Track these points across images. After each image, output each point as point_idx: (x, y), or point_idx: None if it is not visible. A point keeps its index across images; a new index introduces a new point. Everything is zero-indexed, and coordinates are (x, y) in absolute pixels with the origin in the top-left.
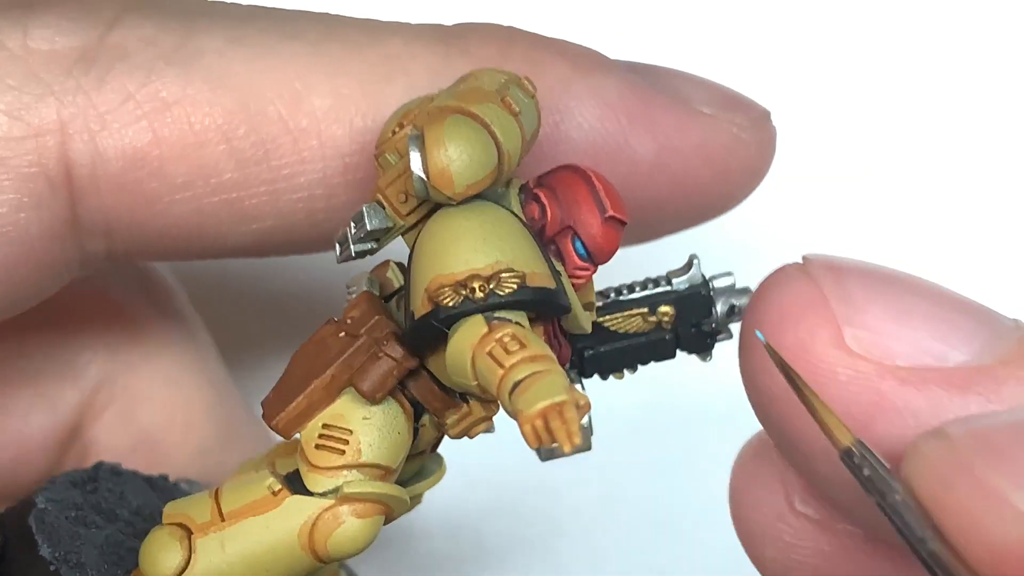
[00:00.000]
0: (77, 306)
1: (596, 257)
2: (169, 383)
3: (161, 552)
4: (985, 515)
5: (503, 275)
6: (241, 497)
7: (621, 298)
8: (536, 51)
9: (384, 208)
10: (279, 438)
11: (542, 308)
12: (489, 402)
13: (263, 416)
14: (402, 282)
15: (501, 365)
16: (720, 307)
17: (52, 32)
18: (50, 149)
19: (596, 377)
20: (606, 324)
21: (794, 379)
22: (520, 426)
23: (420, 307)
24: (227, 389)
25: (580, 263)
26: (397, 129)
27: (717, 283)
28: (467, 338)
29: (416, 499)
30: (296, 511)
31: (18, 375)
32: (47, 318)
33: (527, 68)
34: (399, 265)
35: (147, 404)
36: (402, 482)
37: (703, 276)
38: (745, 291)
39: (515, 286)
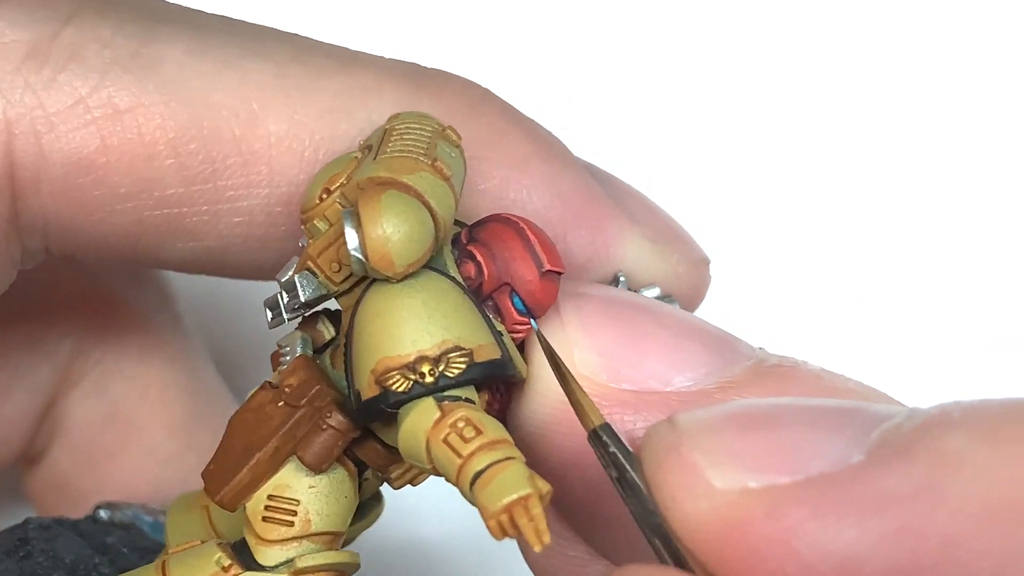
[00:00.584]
0: (49, 281)
1: (535, 311)
2: (142, 358)
3: None
4: (683, 489)
5: (451, 355)
6: (190, 573)
7: None
8: (503, 121)
9: (316, 276)
10: None
11: (490, 380)
12: None
13: (205, 489)
14: (333, 334)
15: (459, 454)
16: None
17: (4, 25)
18: None
19: None
20: None
21: (557, 363)
22: (485, 521)
23: (367, 389)
24: (202, 365)
25: (519, 318)
26: (324, 196)
27: (644, 294)
28: (420, 423)
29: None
30: None
31: None
32: (20, 295)
33: (491, 134)
34: (327, 316)
35: (119, 379)
36: None
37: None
38: (670, 300)
39: (463, 365)
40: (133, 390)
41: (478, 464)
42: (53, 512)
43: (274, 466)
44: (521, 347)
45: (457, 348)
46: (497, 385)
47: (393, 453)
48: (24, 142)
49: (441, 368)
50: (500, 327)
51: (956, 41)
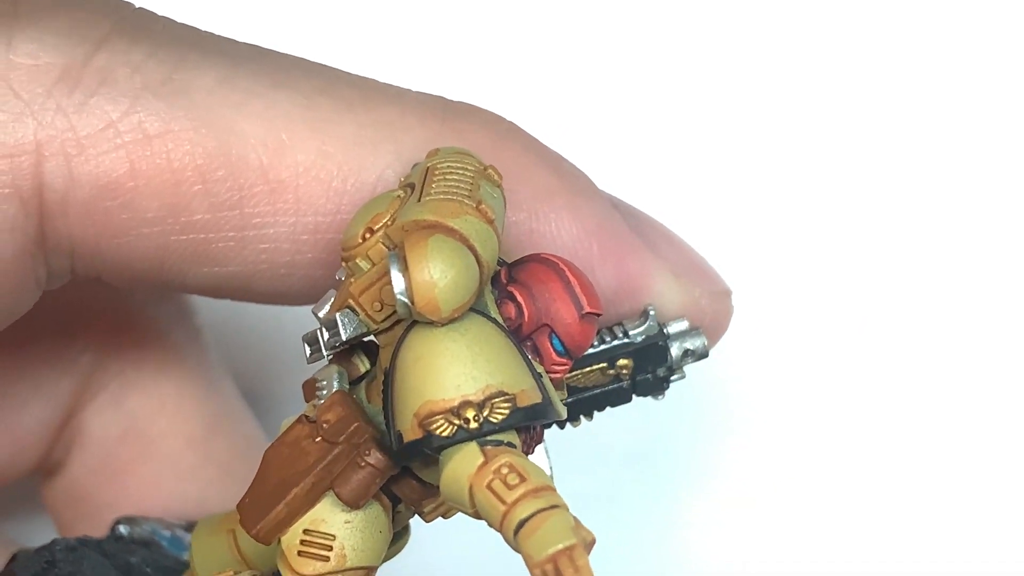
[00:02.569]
0: (70, 296)
1: (573, 352)
2: (160, 371)
3: None
4: None
5: (495, 401)
6: None
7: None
8: (528, 155)
9: (357, 314)
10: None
11: (534, 424)
12: None
13: (241, 522)
14: (368, 367)
15: (503, 501)
16: (675, 351)
17: (37, 47)
18: (25, 170)
19: (554, 426)
20: (566, 381)
21: None
22: (529, 570)
23: (410, 431)
24: (220, 378)
25: (558, 359)
26: (367, 235)
27: (671, 329)
28: (463, 468)
29: None
30: None
31: (14, 366)
32: (41, 309)
33: (516, 169)
34: (362, 348)
35: (137, 392)
36: None
37: (659, 326)
38: (697, 333)
39: (507, 411)
40: (151, 403)
41: (523, 512)
42: (70, 523)
43: (311, 501)
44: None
45: (501, 393)
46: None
47: (428, 488)
48: (54, 164)
49: (485, 413)
50: (540, 368)
51: (957, 52)
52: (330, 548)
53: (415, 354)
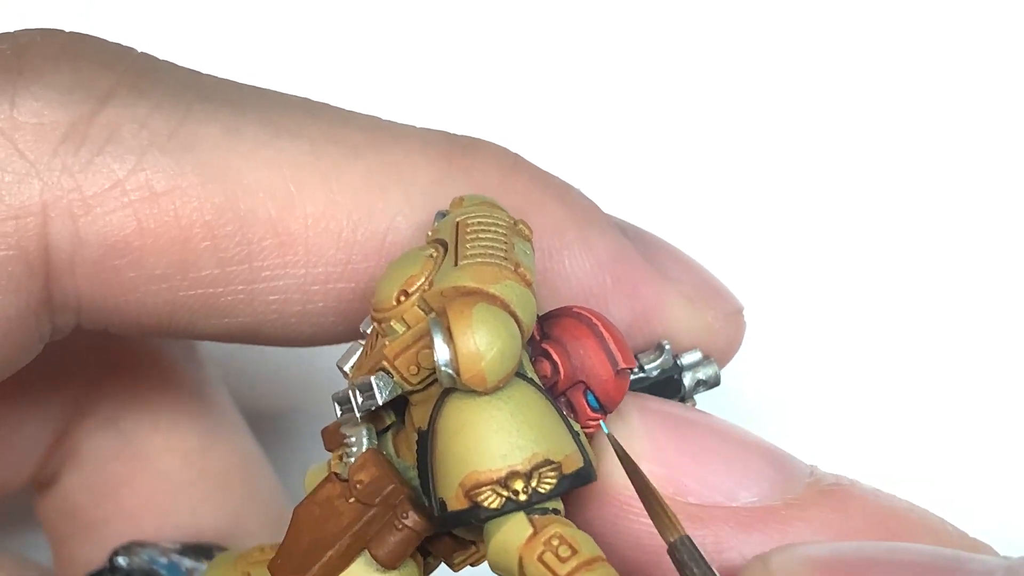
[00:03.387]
0: None
1: (608, 408)
2: (155, 387)
3: None
4: None
5: (542, 470)
6: None
7: None
8: (536, 189)
9: (392, 376)
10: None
11: (571, 491)
12: None
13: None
14: (393, 418)
15: (556, 574)
16: (688, 382)
17: (41, 105)
18: (31, 231)
19: None
20: None
21: (638, 473)
22: None
23: (454, 500)
24: (214, 393)
25: (592, 415)
26: (402, 298)
27: (684, 360)
28: (512, 540)
29: None
30: None
31: (9, 384)
32: None
33: (524, 204)
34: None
35: (131, 408)
36: None
37: (674, 359)
38: (709, 362)
39: (554, 480)
40: (145, 419)
41: None
42: (63, 537)
43: (345, 562)
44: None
45: (548, 462)
46: None
47: (461, 542)
48: (60, 225)
49: (533, 484)
50: (576, 426)
51: (955, 56)
52: None
53: (458, 423)
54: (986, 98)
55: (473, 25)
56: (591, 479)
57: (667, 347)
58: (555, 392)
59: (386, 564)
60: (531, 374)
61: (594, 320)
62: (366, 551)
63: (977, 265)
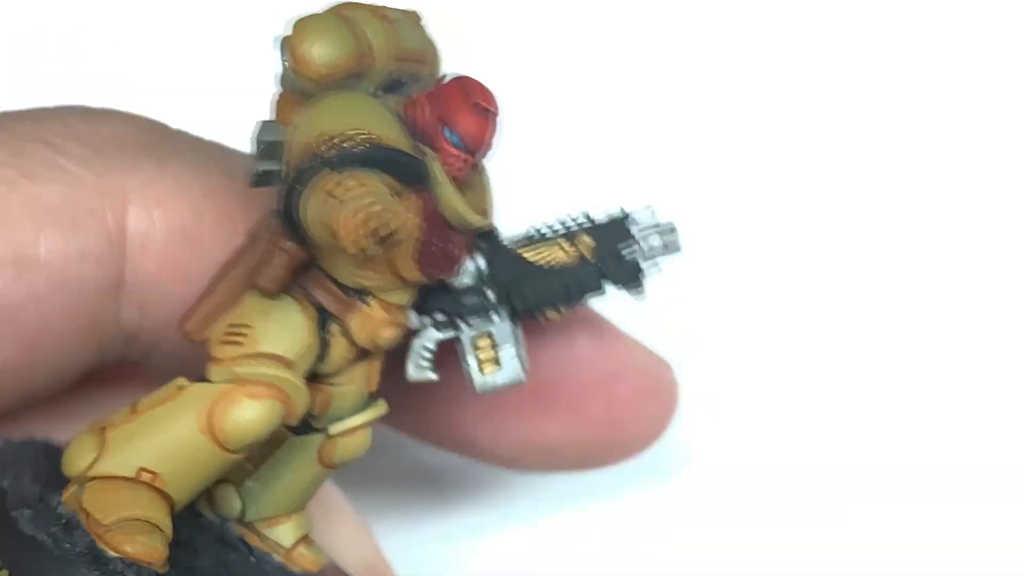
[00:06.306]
0: None
1: (467, 143)
2: None
3: (76, 450)
4: None
5: (351, 135)
6: (152, 397)
7: (543, 233)
8: None
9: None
10: None
11: (394, 168)
12: (390, 303)
13: (178, 328)
14: None
15: (339, 199)
16: (650, 242)
17: (118, 124)
18: (116, 210)
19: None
20: (530, 257)
21: None
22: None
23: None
24: None
25: (453, 151)
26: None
27: (638, 216)
28: (316, 188)
29: (357, 437)
30: (195, 397)
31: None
32: None
33: None
34: None
35: None
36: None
37: (621, 209)
38: (670, 227)
39: (362, 144)
40: None
41: (343, 194)
42: None
43: (236, 296)
44: None
45: (359, 132)
46: (441, 219)
47: (346, 292)
48: (138, 208)
49: (341, 143)
50: (434, 156)
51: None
52: (245, 336)
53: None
54: (981, 101)
55: (472, 23)
56: (417, 170)
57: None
58: (417, 132)
59: (263, 288)
60: (393, 106)
61: (464, 76)
62: (256, 290)
63: (974, 266)
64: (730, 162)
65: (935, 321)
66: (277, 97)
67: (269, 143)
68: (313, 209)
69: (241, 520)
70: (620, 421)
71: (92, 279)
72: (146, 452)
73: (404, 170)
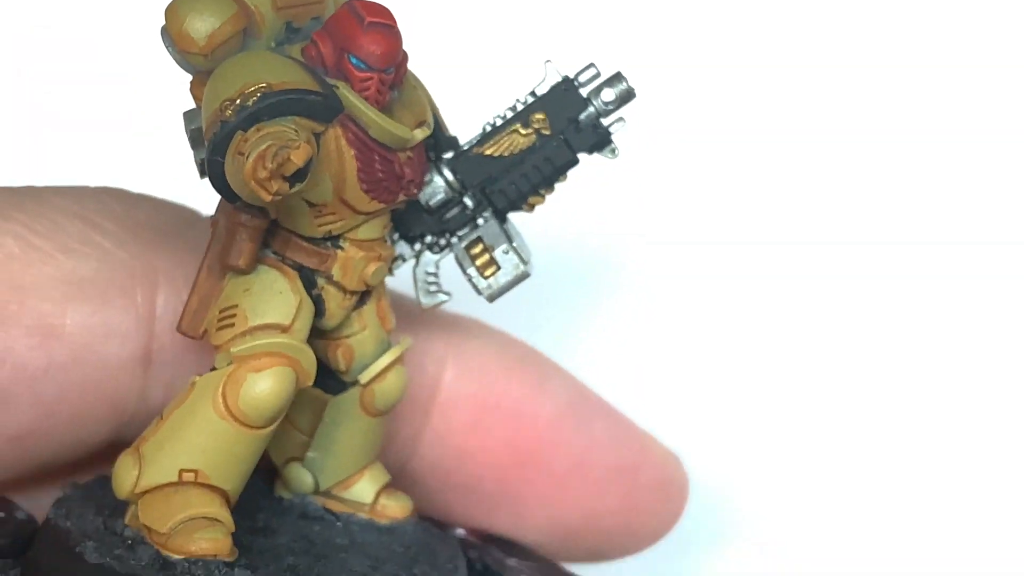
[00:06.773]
0: None
1: (371, 62)
2: None
3: (120, 472)
4: None
5: (247, 91)
6: (173, 401)
7: (495, 124)
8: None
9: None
10: None
11: (301, 108)
12: (363, 240)
13: (177, 331)
14: None
15: (246, 155)
16: (603, 97)
17: (151, 208)
18: (146, 289)
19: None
20: (491, 153)
21: None
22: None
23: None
24: None
25: (362, 74)
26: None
27: (582, 76)
28: (229, 153)
29: (391, 377)
30: (206, 387)
31: None
32: None
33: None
34: None
35: None
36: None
37: (560, 74)
38: (618, 76)
39: (258, 96)
40: None
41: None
42: None
43: (216, 283)
44: None
45: (254, 86)
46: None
47: (315, 244)
48: (167, 291)
49: (240, 103)
50: (347, 86)
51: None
52: (235, 316)
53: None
54: (982, 103)
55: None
56: (319, 102)
57: (548, 66)
58: (328, 71)
59: (236, 267)
60: (295, 55)
61: (354, 2)
62: (232, 273)
63: (971, 274)
64: (729, 173)
65: (931, 335)
66: (190, 83)
67: (196, 129)
68: (231, 174)
69: (318, 491)
70: (636, 510)
71: (116, 355)
72: (180, 454)
73: (313, 108)
